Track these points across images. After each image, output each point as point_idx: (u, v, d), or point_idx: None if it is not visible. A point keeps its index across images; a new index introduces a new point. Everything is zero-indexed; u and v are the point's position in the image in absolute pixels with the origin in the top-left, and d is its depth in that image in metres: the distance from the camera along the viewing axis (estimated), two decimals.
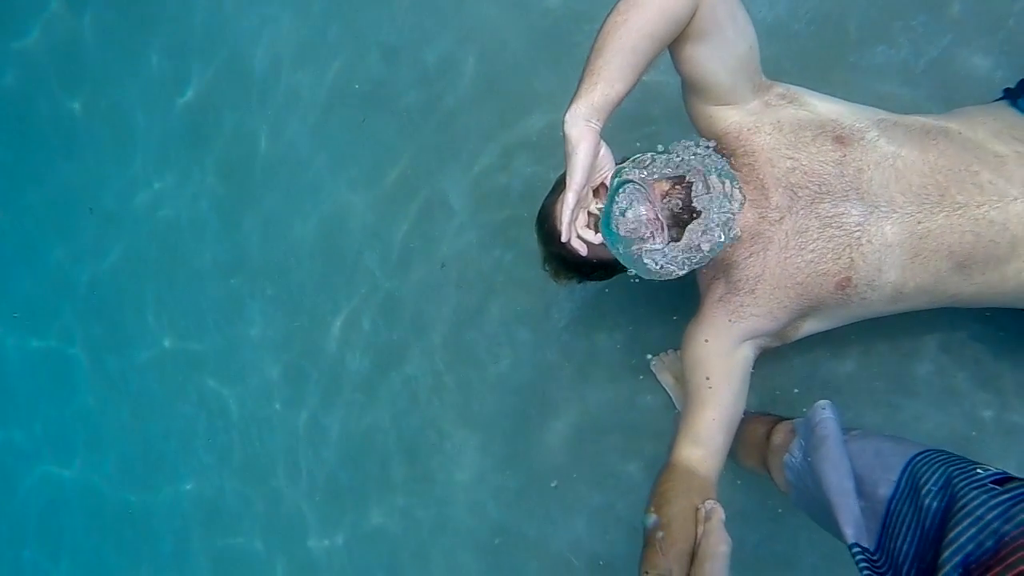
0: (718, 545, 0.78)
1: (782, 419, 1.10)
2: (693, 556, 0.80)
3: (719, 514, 0.81)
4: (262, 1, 1.98)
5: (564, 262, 1.12)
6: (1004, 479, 0.69)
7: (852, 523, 0.79)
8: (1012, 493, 0.65)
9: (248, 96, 2.04)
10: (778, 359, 1.49)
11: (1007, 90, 1.08)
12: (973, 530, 0.64)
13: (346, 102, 1.90)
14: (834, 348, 1.46)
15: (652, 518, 0.82)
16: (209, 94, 2.12)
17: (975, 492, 0.67)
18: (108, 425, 2.47)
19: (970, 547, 0.64)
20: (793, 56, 1.47)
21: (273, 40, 1.98)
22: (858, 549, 0.77)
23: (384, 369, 1.91)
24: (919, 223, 0.96)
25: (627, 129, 1.54)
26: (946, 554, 0.66)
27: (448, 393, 1.83)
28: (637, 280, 1.00)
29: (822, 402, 0.92)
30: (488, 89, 1.74)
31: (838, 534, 0.81)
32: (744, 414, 1.02)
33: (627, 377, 1.63)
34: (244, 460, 2.18)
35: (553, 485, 1.70)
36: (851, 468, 0.82)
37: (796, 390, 1.49)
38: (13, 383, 2.67)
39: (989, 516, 0.65)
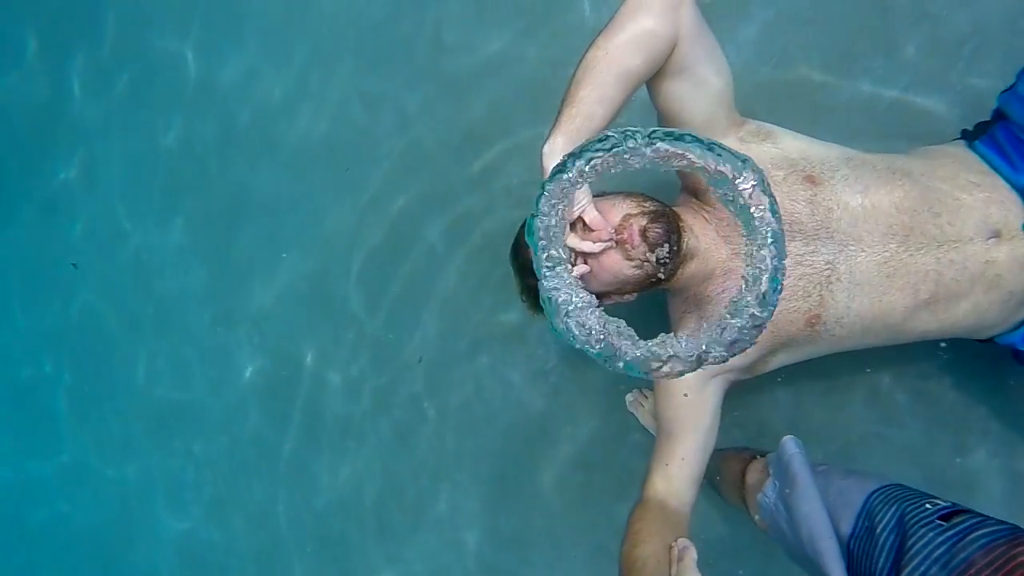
0: None
1: (756, 456, 1.14)
2: None
3: (691, 554, 0.83)
4: (245, 53, 2.07)
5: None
6: (951, 513, 0.73)
7: (836, 560, 0.81)
8: (956, 529, 0.69)
9: (230, 144, 2.10)
10: (763, 392, 1.54)
11: (964, 131, 1.15)
12: (922, 568, 0.68)
13: (330, 151, 1.97)
14: (817, 380, 1.52)
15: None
16: (191, 142, 2.18)
17: (924, 530, 0.71)
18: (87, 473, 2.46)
19: None
20: (763, 98, 1.56)
21: (255, 90, 2.06)
22: None
23: (374, 416, 1.93)
24: (886, 262, 1.01)
25: None
26: None
27: (437, 438, 1.86)
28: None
29: (788, 438, 0.96)
30: (468, 135, 1.81)
31: (814, 573, 0.85)
32: (721, 450, 1.05)
33: (615, 416, 1.68)
34: (231, 509, 2.18)
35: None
36: (827, 506, 0.86)
37: (782, 423, 1.54)
38: None
39: (936, 553, 0.69)
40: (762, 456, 1.11)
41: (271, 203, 2.05)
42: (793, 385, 1.52)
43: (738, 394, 1.55)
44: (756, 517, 1.02)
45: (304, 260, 2.02)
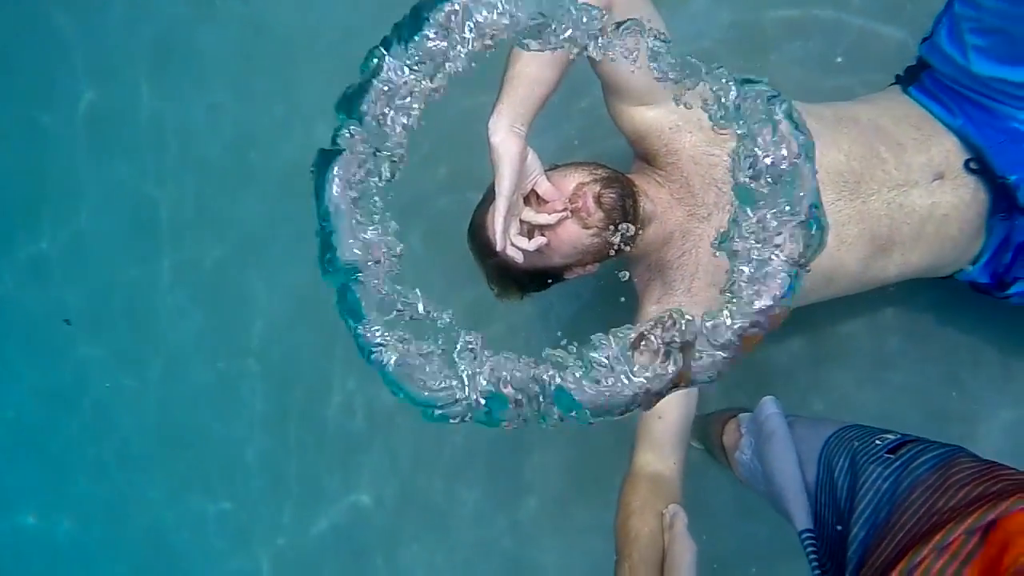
0: (683, 553, 0.83)
1: (732, 417, 1.21)
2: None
3: (682, 517, 0.87)
4: (208, 90, 2.15)
5: (501, 275, 1.12)
6: (899, 445, 0.79)
7: (802, 511, 0.87)
8: (902, 459, 0.75)
9: (207, 182, 2.18)
10: (756, 354, 1.61)
11: (898, 76, 1.21)
12: (873, 503, 0.74)
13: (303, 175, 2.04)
14: (807, 334, 1.59)
15: None
16: (166, 184, 2.25)
17: (872, 465, 0.77)
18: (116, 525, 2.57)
19: (872, 519, 0.73)
20: (719, 63, 1.62)
21: (221, 125, 2.13)
22: (808, 535, 0.86)
23: (387, 432, 2.01)
24: (840, 211, 1.05)
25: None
26: (854, 530, 0.75)
27: (446, 443, 1.94)
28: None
29: (766, 399, 1.02)
30: (436, 140, 1.87)
31: (790, 521, 0.92)
32: (708, 414, 1.11)
33: None
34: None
35: None
36: (798, 459, 0.93)
37: (780, 381, 1.62)
38: None
39: (884, 486, 0.74)
40: (734, 418, 1.18)
41: (253, 233, 2.13)
42: (783, 343, 1.59)
43: None
44: (737, 473, 1.10)
45: (291, 282, 2.09)
